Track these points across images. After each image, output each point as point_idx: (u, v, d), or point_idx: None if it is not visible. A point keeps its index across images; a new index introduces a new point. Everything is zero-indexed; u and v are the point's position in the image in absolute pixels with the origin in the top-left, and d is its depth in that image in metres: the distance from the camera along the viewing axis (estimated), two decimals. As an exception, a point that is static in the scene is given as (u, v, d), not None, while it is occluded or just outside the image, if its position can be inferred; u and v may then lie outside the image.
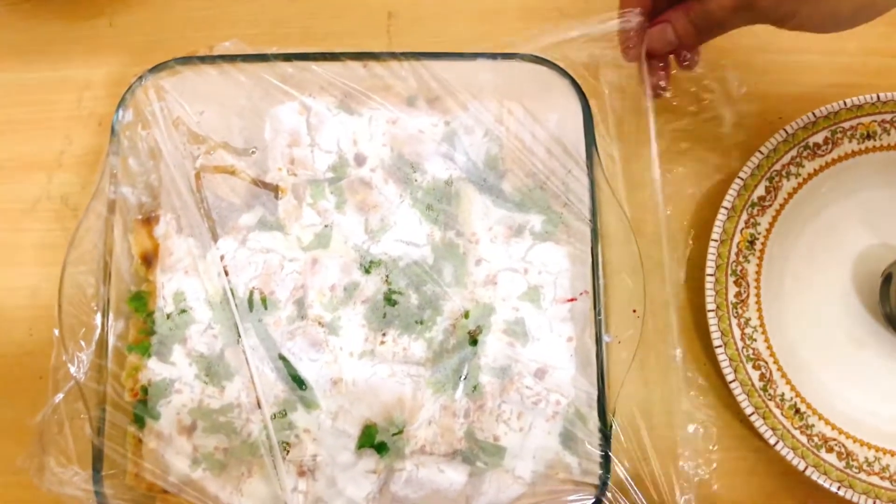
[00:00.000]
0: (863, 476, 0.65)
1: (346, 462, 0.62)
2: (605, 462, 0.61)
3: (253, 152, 0.65)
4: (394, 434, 0.62)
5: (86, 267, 0.64)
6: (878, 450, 0.66)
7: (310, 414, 0.63)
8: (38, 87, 0.77)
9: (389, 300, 0.65)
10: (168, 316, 0.63)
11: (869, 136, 0.69)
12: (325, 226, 0.67)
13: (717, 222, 0.68)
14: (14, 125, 0.76)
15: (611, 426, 0.61)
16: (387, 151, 0.68)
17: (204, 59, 0.65)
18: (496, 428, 0.63)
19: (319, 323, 0.64)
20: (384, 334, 0.65)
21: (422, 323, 0.65)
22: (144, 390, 0.62)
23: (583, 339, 0.65)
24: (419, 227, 0.67)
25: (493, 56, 0.67)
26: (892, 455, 0.66)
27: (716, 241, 0.68)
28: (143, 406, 0.62)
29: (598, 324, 0.62)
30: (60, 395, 0.61)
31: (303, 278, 0.65)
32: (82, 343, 0.62)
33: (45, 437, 0.61)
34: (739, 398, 0.66)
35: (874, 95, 0.69)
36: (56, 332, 0.62)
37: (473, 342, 0.64)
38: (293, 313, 0.64)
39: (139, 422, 0.62)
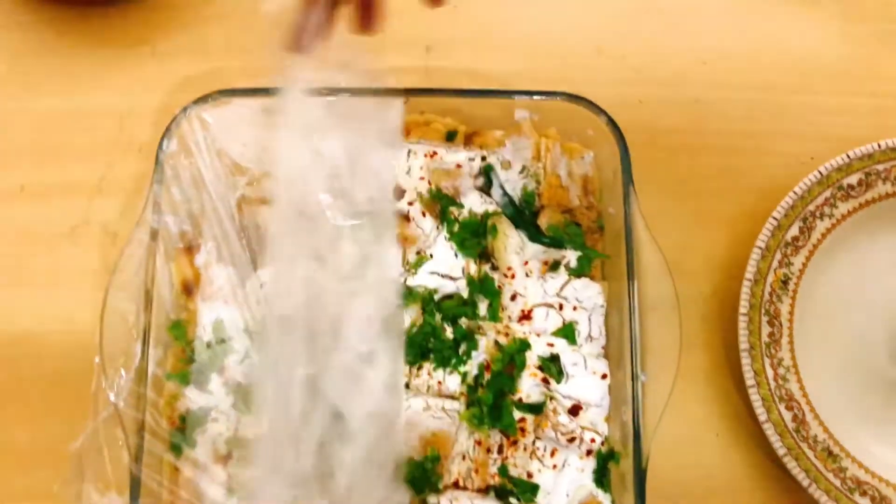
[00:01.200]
0: None
1: (380, 495, 0.62)
2: (640, 500, 0.61)
3: (295, 183, 0.66)
4: (428, 468, 0.62)
5: (127, 294, 0.64)
6: None
7: (345, 446, 0.63)
8: (80, 112, 0.78)
9: (425, 333, 0.66)
10: (207, 345, 0.63)
11: None
12: (363, 257, 0.67)
13: (751, 262, 0.69)
14: (56, 150, 0.77)
15: (646, 466, 0.61)
16: (424, 185, 0.69)
17: (247, 92, 0.66)
18: (530, 464, 0.63)
19: (356, 354, 0.64)
20: (419, 367, 0.65)
21: (457, 357, 0.65)
22: (182, 418, 0.63)
23: (617, 375, 0.65)
24: (455, 260, 0.67)
25: (531, 94, 0.68)
26: None
27: (749, 280, 0.68)
28: (180, 434, 0.62)
29: (633, 361, 0.62)
30: (99, 420, 0.62)
31: (341, 309, 0.65)
32: (122, 370, 0.63)
33: (83, 463, 0.61)
34: (772, 439, 0.66)
35: None
36: (97, 359, 0.62)
37: (508, 377, 0.64)
38: (331, 344, 0.65)
39: (176, 450, 0.62)
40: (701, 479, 0.68)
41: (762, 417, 0.66)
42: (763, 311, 0.68)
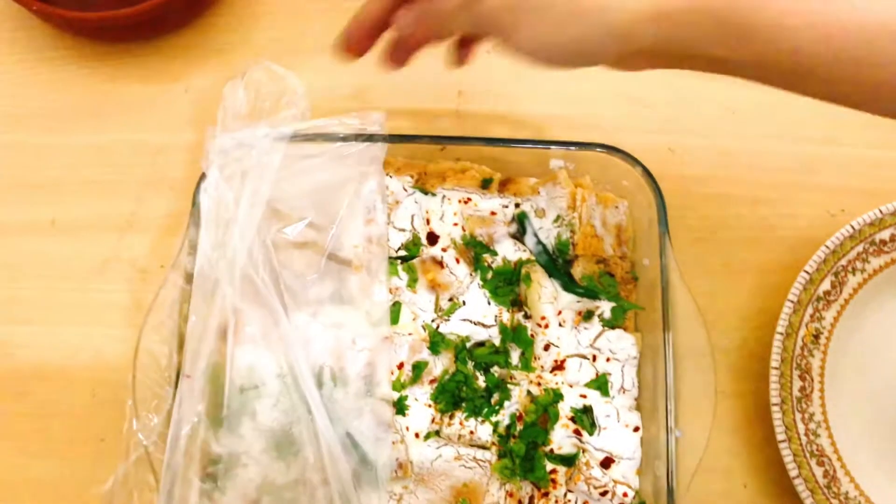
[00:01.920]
0: None
1: (410, 546, 0.62)
2: (672, 558, 0.60)
3: (330, 228, 0.66)
4: (459, 519, 0.62)
5: (160, 337, 0.64)
6: None
7: (375, 494, 0.62)
8: (113, 149, 0.79)
9: (457, 381, 0.65)
10: (240, 390, 0.63)
11: None
12: (395, 303, 0.67)
13: (783, 315, 0.69)
14: (88, 185, 0.78)
15: (680, 522, 0.60)
16: (458, 231, 0.69)
17: (292, 137, 0.67)
18: (561, 517, 0.63)
19: (387, 401, 0.64)
20: (451, 416, 0.65)
21: (489, 406, 0.65)
22: (213, 463, 0.62)
23: (650, 429, 0.65)
24: (488, 308, 0.67)
25: (568, 144, 0.68)
26: None
27: (781, 334, 0.68)
28: (210, 479, 0.62)
29: (668, 415, 0.62)
30: (129, 463, 0.62)
31: (372, 355, 0.65)
32: (153, 414, 0.62)
33: (113, 506, 0.61)
34: (803, 495, 0.66)
35: None
36: (129, 401, 0.62)
37: (541, 429, 0.64)
38: (361, 390, 0.65)
39: (207, 495, 0.62)
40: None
41: (793, 473, 0.66)
42: (794, 365, 0.68)
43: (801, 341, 0.68)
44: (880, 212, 0.70)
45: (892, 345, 0.71)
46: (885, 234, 0.70)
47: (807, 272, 0.69)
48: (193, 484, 0.61)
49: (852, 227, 0.70)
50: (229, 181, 0.65)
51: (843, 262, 0.70)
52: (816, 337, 0.68)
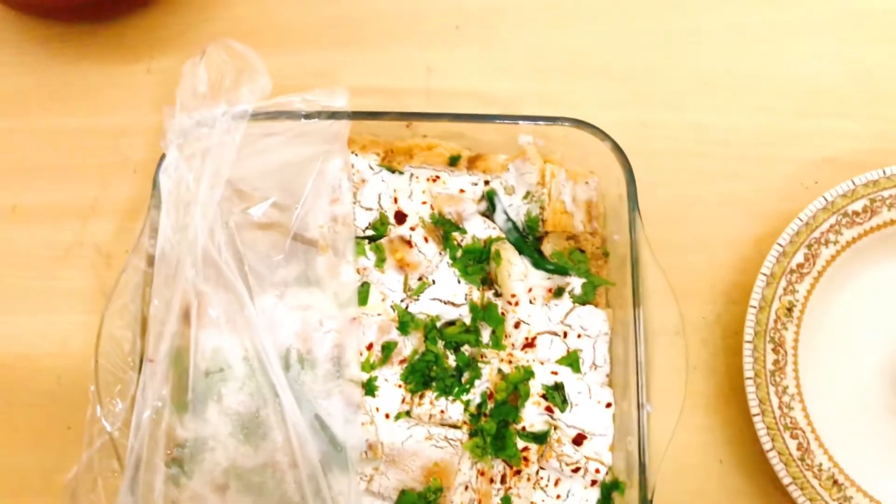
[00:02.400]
0: None
1: (381, 527, 0.61)
2: (645, 533, 0.60)
3: (295, 208, 0.65)
4: (430, 499, 0.61)
5: (123, 322, 0.63)
6: None
7: (345, 476, 0.62)
8: (74, 132, 0.77)
9: (427, 361, 0.65)
10: (205, 373, 0.62)
11: None
12: (363, 283, 0.66)
13: (756, 289, 0.68)
14: (49, 170, 0.76)
15: (652, 497, 0.60)
16: (427, 210, 0.68)
17: (252, 116, 0.65)
18: (533, 495, 0.62)
19: (356, 383, 0.63)
20: (422, 396, 0.64)
21: (460, 385, 0.64)
22: (179, 448, 0.61)
23: (622, 405, 0.64)
24: (458, 286, 0.67)
25: (536, 119, 0.67)
26: None
27: (754, 307, 0.68)
28: (177, 464, 0.61)
29: (639, 391, 0.62)
30: (94, 450, 0.61)
31: (340, 337, 0.64)
32: (117, 399, 0.61)
33: (77, 494, 0.60)
34: (777, 467, 0.65)
35: None
36: (92, 387, 0.61)
37: (512, 406, 0.63)
38: (329, 372, 0.64)
39: (173, 480, 0.61)
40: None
41: (767, 446, 0.66)
42: (768, 338, 0.67)
43: (775, 314, 0.68)
44: (853, 183, 0.69)
45: (865, 317, 0.71)
46: (858, 206, 0.70)
47: (780, 245, 0.69)
48: (159, 469, 0.60)
49: (825, 199, 0.69)
50: (189, 161, 0.64)
51: (816, 234, 0.69)
52: (790, 310, 0.68)
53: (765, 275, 0.68)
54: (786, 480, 0.65)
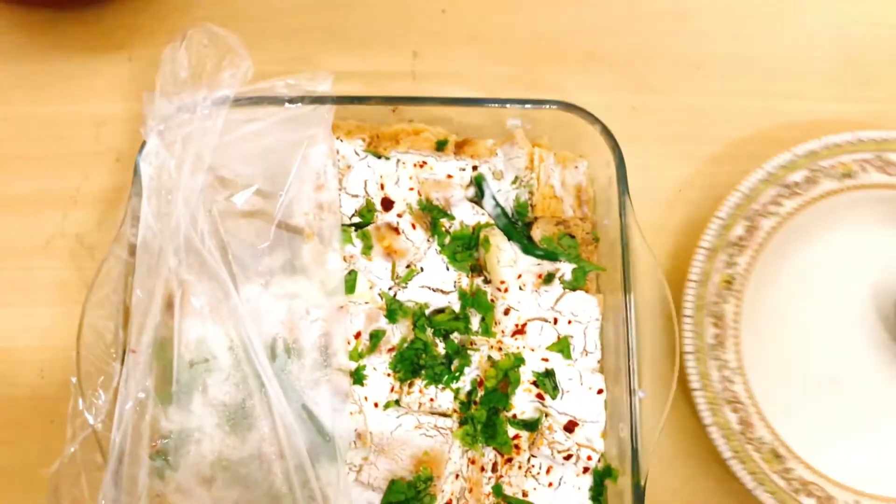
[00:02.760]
0: None
1: (371, 518, 0.60)
2: (638, 520, 0.59)
3: (280, 195, 0.64)
4: (420, 489, 0.60)
5: (105, 312, 0.62)
6: (857, 493, 0.64)
7: (333, 466, 0.61)
8: (54, 121, 0.75)
9: (416, 349, 0.64)
10: (190, 364, 0.61)
11: (848, 175, 0.69)
12: (350, 271, 0.65)
13: (695, 263, 0.67)
14: (28, 160, 0.74)
15: (645, 483, 0.59)
16: (414, 196, 0.67)
17: (235, 101, 0.64)
18: (525, 483, 0.62)
19: (344, 372, 0.62)
20: (411, 384, 0.63)
21: (449, 373, 0.63)
22: (164, 440, 0.60)
23: (613, 391, 0.63)
24: (446, 273, 0.66)
25: (524, 102, 0.66)
26: (872, 498, 0.64)
27: (694, 282, 0.67)
28: (162, 457, 0.60)
29: (630, 376, 0.61)
30: (76, 445, 0.59)
31: (327, 325, 0.63)
32: (100, 391, 0.60)
33: (60, 488, 0.59)
34: (717, 441, 0.64)
35: (853, 134, 0.69)
36: (74, 379, 0.60)
37: (502, 394, 0.63)
38: (317, 361, 0.63)
39: (158, 473, 0.60)
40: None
41: (707, 420, 0.65)
42: (708, 312, 0.66)
43: (715, 289, 0.67)
44: (793, 153, 0.69)
45: (808, 289, 0.70)
46: (798, 176, 0.69)
47: (719, 217, 0.68)
48: (143, 462, 0.59)
49: (765, 171, 0.68)
50: (170, 148, 0.62)
51: (757, 206, 0.68)
52: (730, 283, 0.66)
53: (704, 248, 0.67)
54: (727, 455, 0.64)
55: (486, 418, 0.62)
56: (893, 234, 0.71)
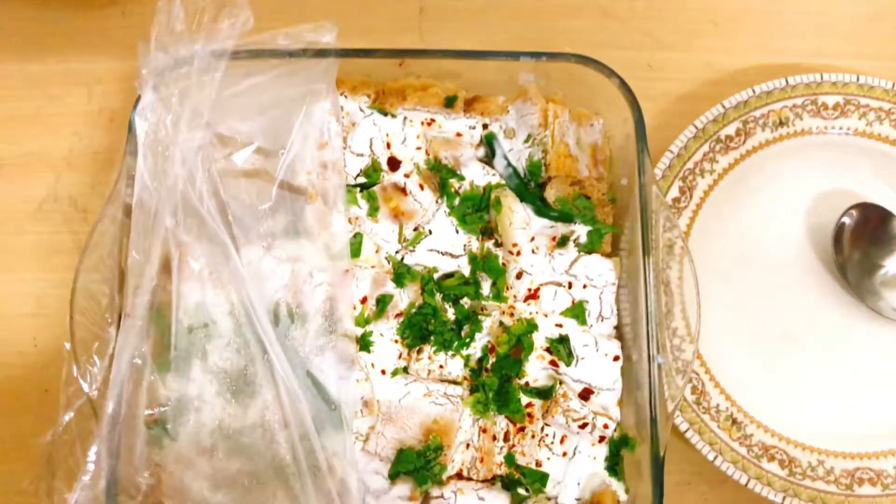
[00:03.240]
0: (807, 483, 0.61)
1: (378, 488, 0.58)
2: (658, 489, 0.56)
3: (281, 154, 0.61)
4: (430, 458, 0.58)
5: (100, 275, 0.59)
6: (821, 452, 0.62)
7: (339, 436, 0.58)
8: (45, 79, 0.72)
9: (424, 314, 0.61)
10: (189, 329, 0.58)
11: (782, 123, 0.66)
12: (356, 234, 0.62)
13: (636, 230, 0.64)
14: (19, 121, 0.72)
15: (664, 452, 0.56)
16: (422, 155, 0.64)
17: (233, 54, 0.60)
18: (538, 452, 0.59)
19: (350, 338, 0.60)
20: (419, 351, 0.61)
21: (459, 339, 0.61)
22: (163, 408, 0.58)
23: (631, 357, 0.61)
24: (456, 236, 0.63)
25: (538, 55, 0.63)
26: (836, 456, 0.62)
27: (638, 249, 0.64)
28: (160, 426, 0.57)
29: (649, 342, 0.58)
30: (71, 414, 0.57)
31: (332, 290, 0.60)
32: (95, 358, 0.57)
33: (54, 458, 0.56)
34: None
35: (783, 80, 0.66)
36: (67, 345, 0.57)
37: (515, 360, 0.60)
38: (322, 327, 0.60)
39: (156, 442, 0.57)
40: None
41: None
42: (656, 279, 0.63)
43: (661, 253, 0.64)
44: (723, 107, 0.66)
45: (752, 246, 0.67)
46: (731, 130, 0.66)
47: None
48: (140, 431, 0.57)
49: (695, 127, 0.66)
50: (166, 103, 0.59)
51: (690, 164, 0.65)
52: (671, 248, 0.63)
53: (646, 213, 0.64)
54: (683, 427, 0.62)
55: (497, 386, 0.60)
56: (828, 177, 0.68)
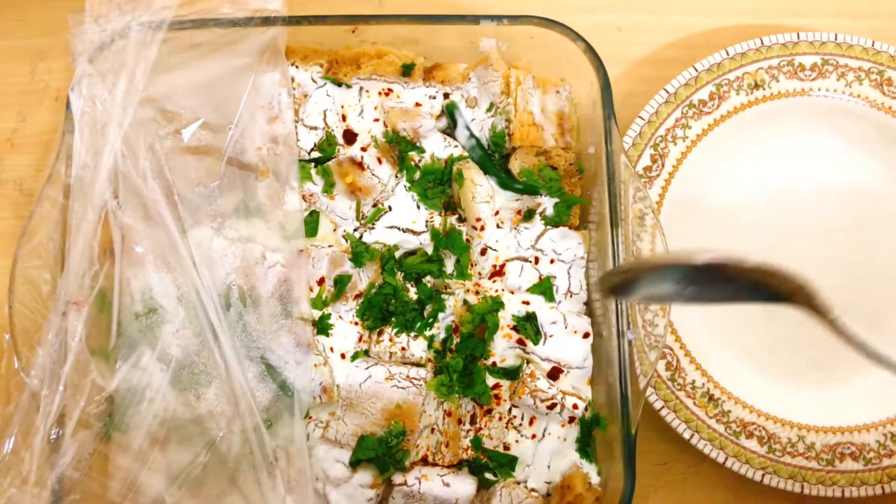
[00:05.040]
0: (787, 459, 0.59)
1: (339, 476, 0.56)
2: (630, 469, 0.54)
3: (229, 129, 0.58)
4: (392, 444, 0.56)
5: (40, 261, 0.56)
6: (801, 427, 0.60)
7: (297, 423, 0.56)
8: (-15, 57, 0.69)
9: (385, 294, 0.58)
10: (136, 316, 0.55)
11: (757, 86, 0.63)
12: (311, 212, 0.60)
13: (606, 201, 0.61)
14: (-41, 101, 0.68)
15: (636, 431, 0.54)
16: (379, 127, 0.61)
17: (172, 25, 0.57)
18: (506, 435, 0.57)
19: (306, 321, 0.57)
20: (380, 333, 0.58)
21: (422, 319, 0.58)
22: (110, 400, 0.55)
23: (601, 334, 0.58)
24: (417, 212, 0.60)
25: (498, 18, 0.60)
26: (817, 431, 0.60)
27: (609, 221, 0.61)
28: (108, 418, 0.55)
29: (619, 317, 0.56)
30: (12, 407, 0.54)
31: (287, 271, 0.57)
32: (38, 348, 0.55)
33: (-5, 455, 0.54)
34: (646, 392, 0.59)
35: (757, 41, 0.63)
36: (7, 336, 0.54)
37: (480, 340, 0.57)
38: (276, 311, 0.57)
39: (104, 435, 0.55)
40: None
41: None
42: (627, 252, 0.60)
43: (630, 226, 0.61)
44: (695, 70, 0.63)
45: (727, 215, 0.64)
46: (704, 94, 0.63)
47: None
48: (86, 423, 0.54)
49: (666, 92, 0.62)
50: (104, 77, 0.56)
51: (661, 131, 0.62)
52: (642, 219, 0.60)
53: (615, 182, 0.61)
54: (657, 405, 0.60)
55: (462, 367, 0.57)
56: (807, 141, 0.66)
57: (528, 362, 0.57)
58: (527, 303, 0.58)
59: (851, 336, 0.40)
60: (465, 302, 0.58)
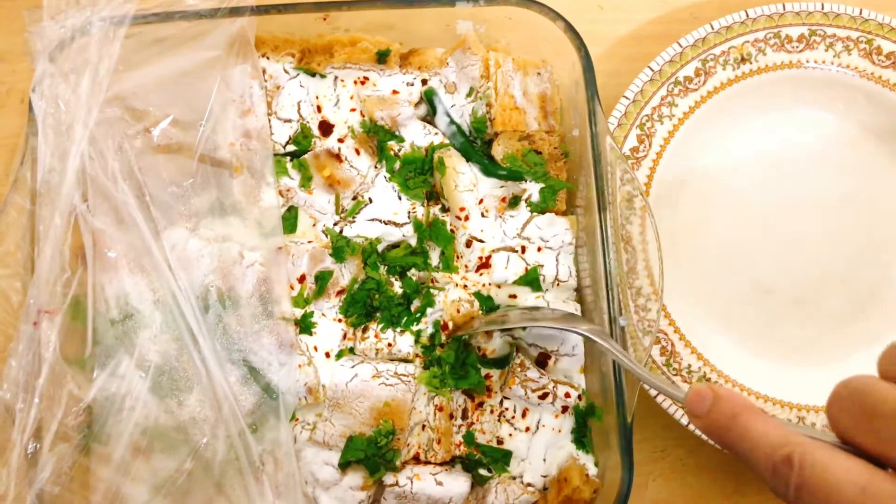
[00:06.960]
0: None
1: (328, 479, 0.54)
2: (627, 459, 0.53)
3: (200, 125, 0.55)
4: (382, 444, 0.54)
5: (9, 270, 0.54)
6: (800, 408, 0.59)
7: (283, 426, 0.54)
8: (-56, 60, 0.66)
9: (368, 289, 0.57)
10: (112, 322, 0.53)
11: (744, 60, 0.62)
12: (289, 207, 0.58)
13: (593, 186, 0.59)
14: (-80, 107, 0.66)
15: (632, 420, 0.53)
16: (356, 117, 0.59)
17: (135, 19, 0.55)
18: (499, 429, 0.55)
19: (288, 320, 0.55)
20: (365, 329, 0.56)
21: (409, 314, 0.56)
22: (89, 410, 0.53)
23: (594, 321, 0.56)
24: (399, 203, 0.58)
25: (475, 0, 0.57)
26: (817, 411, 0.59)
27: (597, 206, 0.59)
28: (87, 429, 0.53)
29: (611, 303, 0.54)
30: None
31: (266, 270, 0.56)
32: (11, 360, 0.53)
33: (-30, 473, 0.52)
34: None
35: (742, 14, 0.62)
36: (-24, 349, 0.52)
37: (467, 334, 0.56)
38: (257, 311, 0.55)
39: (84, 448, 0.53)
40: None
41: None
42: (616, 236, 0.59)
43: (619, 210, 0.60)
44: (679, 46, 0.61)
45: (723, 194, 0.63)
46: (689, 70, 0.61)
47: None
48: (64, 435, 0.52)
49: (651, 70, 0.61)
50: (66, 76, 0.54)
51: (647, 110, 0.61)
52: (630, 201, 0.59)
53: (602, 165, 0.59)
54: (653, 391, 0.58)
55: (454, 358, 0.55)
56: (797, 115, 0.64)
57: (517, 350, 0.56)
58: (514, 296, 0.57)
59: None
60: (452, 295, 0.56)
